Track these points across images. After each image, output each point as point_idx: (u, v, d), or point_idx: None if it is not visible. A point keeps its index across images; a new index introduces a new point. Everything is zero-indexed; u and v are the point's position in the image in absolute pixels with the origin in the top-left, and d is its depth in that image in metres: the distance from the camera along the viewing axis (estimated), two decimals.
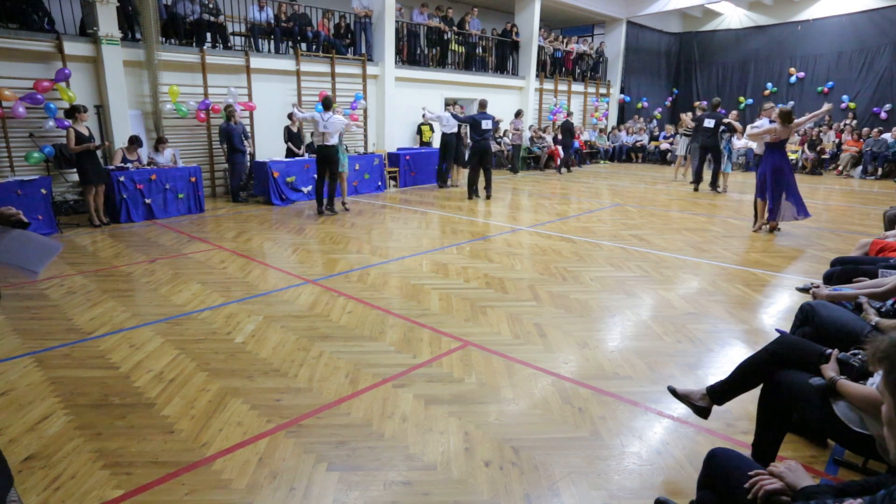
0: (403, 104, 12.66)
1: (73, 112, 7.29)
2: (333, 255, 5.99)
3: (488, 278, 5.12)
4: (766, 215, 6.98)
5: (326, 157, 8.19)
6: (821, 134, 15.25)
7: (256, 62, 10.23)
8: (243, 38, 10.75)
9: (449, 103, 11.77)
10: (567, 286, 4.89)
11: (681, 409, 2.72)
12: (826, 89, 16.93)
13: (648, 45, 19.38)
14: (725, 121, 10.83)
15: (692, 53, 20.03)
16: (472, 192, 10.06)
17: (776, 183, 6.74)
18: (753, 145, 15.28)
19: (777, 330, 3.51)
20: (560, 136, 14.87)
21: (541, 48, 16.12)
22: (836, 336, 2.50)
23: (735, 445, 2.45)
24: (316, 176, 8.54)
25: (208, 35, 9.90)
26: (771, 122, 7.21)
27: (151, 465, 2.39)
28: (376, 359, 3.45)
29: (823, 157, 14.83)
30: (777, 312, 4.31)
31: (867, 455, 2.08)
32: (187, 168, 8.45)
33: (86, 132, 7.37)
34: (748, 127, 7.83)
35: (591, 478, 2.32)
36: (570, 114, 15.57)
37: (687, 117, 12.21)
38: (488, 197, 9.92)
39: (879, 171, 13.63)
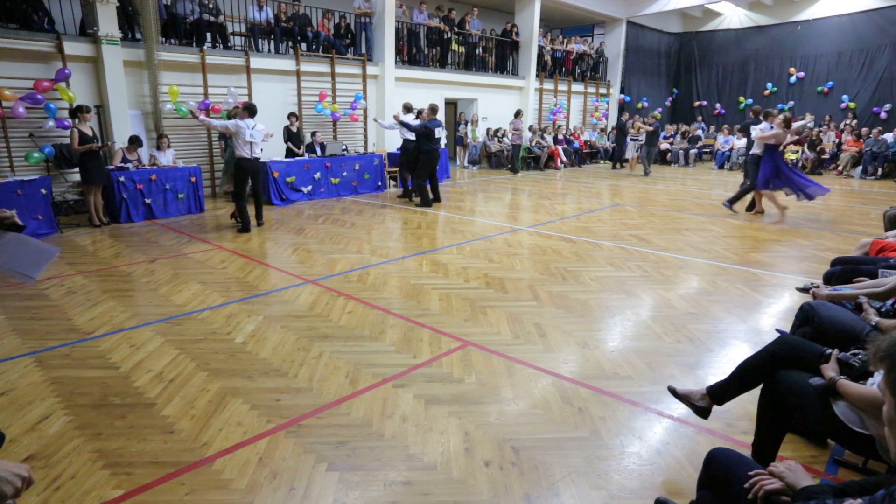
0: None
1: (77, 112, 7.28)
2: (333, 255, 5.99)
3: (488, 278, 5.12)
4: (799, 196, 7.97)
5: (255, 171, 7.23)
6: (821, 134, 15.25)
7: (256, 62, 10.24)
8: (243, 38, 10.75)
9: (409, 108, 10.26)
10: (567, 286, 4.89)
11: (681, 409, 2.72)
12: (826, 89, 16.94)
13: (648, 45, 19.39)
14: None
15: (692, 53, 20.05)
16: (428, 200, 9.14)
17: (783, 173, 7.96)
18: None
19: (777, 330, 3.51)
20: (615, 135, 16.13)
21: (541, 48, 16.12)
22: (836, 336, 2.50)
23: (735, 445, 2.45)
24: (234, 191, 7.18)
25: (208, 35, 9.90)
26: (771, 127, 8.03)
27: (151, 465, 2.39)
28: (376, 359, 3.45)
29: (823, 157, 14.83)
30: (777, 312, 4.31)
31: (867, 455, 2.08)
32: (187, 168, 8.45)
33: (89, 132, 7.37)
34: (756, 130, 8.31)
35: (591, 478, 2.32)
36: (622, 113, 16.27)
37: (640, 122, 13.99)
38: (438, 200, 9.31)
39: (879, 171, 13.63)
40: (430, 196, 9.24)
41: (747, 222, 7.86)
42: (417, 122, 9.54)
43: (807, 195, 7.89)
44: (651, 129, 13.53)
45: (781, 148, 8.28)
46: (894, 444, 1.24)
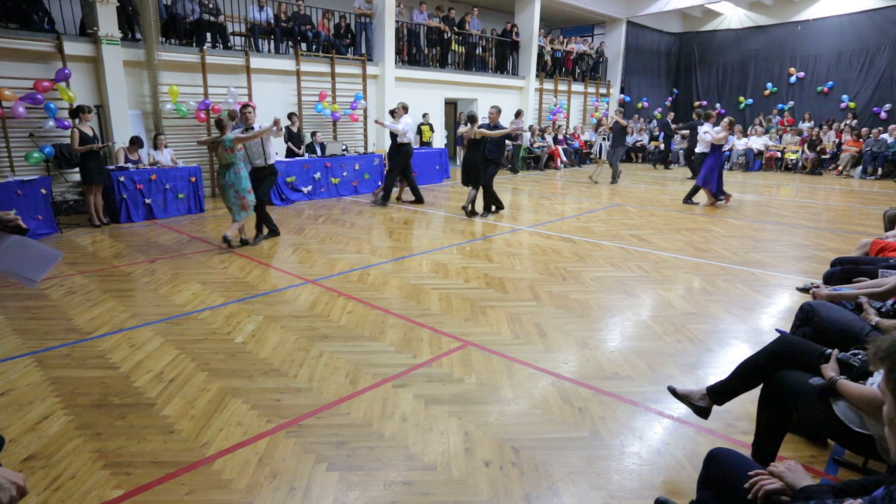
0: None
1: (78, 112, 7.28)
2: (333, 255, 5.99)
3: (488, 278, 5.12)
4: (714, 196, 9.11)
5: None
6: (821, 134, 15.25)
7: (256, 62, 10.24)
8: (243, 38, 10.75)
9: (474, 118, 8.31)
10: (567, 286, 4.89)
11: (681, 409, 2.72)
12: (826, 89, 16.93)
13: (648, 45, 19.38)
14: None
15: (692, 53, 20.04)
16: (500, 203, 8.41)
17: (720, 172, 9.13)
18: (756, 146, 15.40)
19: (777, 330, 3.51)
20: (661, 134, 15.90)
21: (541, 48, 16.12)
22: (836, 336, 2.50)
23: (735, 445, 2.45)
24: (255, 200, 6.30)
25: (208, 35, 9.90)
26: (714, 126, 9.26)
27: (151, 465, 2.39)
28: (376, 359, 3.45)
29: (823, 157, 14.83)
30: (777, 312, 4.31)
31: (867, 455, 2.08)
32: (187, 168, 8.46)
33: (90, 132, 7.38)
34: (712, 130, 9.19)
35: (591, 478, 2.32)
36: (670, 114, 15.44)
37: (608, 121, 12.84)
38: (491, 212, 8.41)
39: (879, 171, 13.63)
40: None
41: (747, 222, 7.86)
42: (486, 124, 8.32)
43: (719, 191, 9.13)
44: (623, 122, 11.92)
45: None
46: (895, 443, 1.24)
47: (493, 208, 8.38)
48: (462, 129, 8.23)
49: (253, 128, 6.25)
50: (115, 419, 2.75)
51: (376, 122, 9.93)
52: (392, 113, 9.35)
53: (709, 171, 8.96)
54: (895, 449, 1.24)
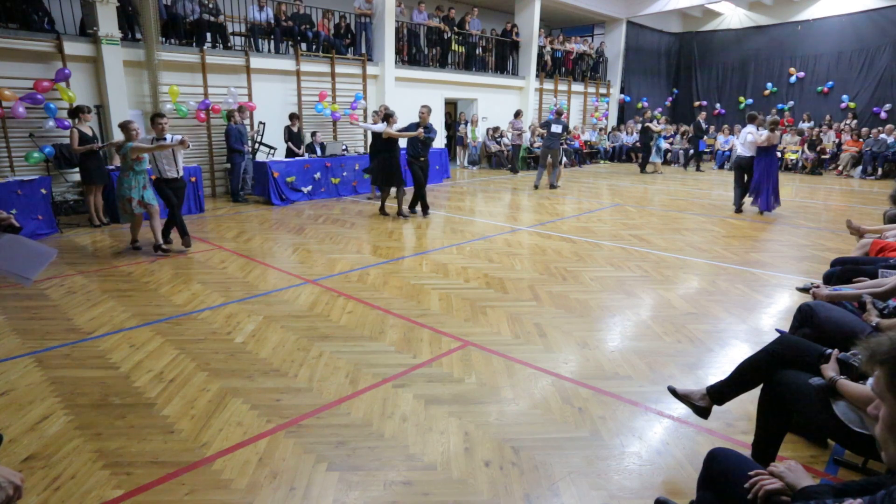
0: (403, 104, 12.60)
1: (77, 112, 7.28)
2: (333, 255, 5.99)
3: (488, 278, 5.12)
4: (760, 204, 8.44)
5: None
6: (821, 134, 15.25)
7: (256, 62, 10.24)
8: (243, 38, 10.75)
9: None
10: (567, 286, 4.89)
11: (681, 409, 2.72)
12: (826, 89, 16.94)
13: (648, 45, 19.39)
14: (646, 125, 14.48)
15: (692, 53, 20.05)
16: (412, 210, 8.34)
17: (770, 177, 8.28)
18: (741, 148, 15.37)
19: (777, 330, 3.51)
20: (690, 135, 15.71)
21: (541, 48, 16.12)
22: (835, 336, 2.50)
23: (735, 445, 2.45)
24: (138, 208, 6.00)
25: (208, 35, 9.90)
26: (758, 129, 8.49)
27: (151, 465, 2.39)
28: (376, 359, 3.45)
29: (823, 157, 14.83)
30: (777, 312, 4.31)
31: (867, 455, 2.08)
32: (187, 168, 8.40)
33: (89, 132, 7.38)
34: (755, 132, 8.40)
35: (591, 478, 2.32)
36: (701, 113, 14.53)
37: (537, 126, 12.33)
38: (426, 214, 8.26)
39: (879, 171, 13.63)
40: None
41: (748, 222, 7.86)
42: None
43: (768, 206, 8.33)
44: (542, 131, 11.04)
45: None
46: (893, 447, 1.22)
47: (422, 209, 8.17)
48: (383, 128, 8.03)
49: (165, 139, 5.98)
50: (115, 419, 2.75)
51: (351, 121, 9.81)
52: (376, 114, 9.35)
53: (758, 178, 8.26)
54: (893, 452, 1.22)
